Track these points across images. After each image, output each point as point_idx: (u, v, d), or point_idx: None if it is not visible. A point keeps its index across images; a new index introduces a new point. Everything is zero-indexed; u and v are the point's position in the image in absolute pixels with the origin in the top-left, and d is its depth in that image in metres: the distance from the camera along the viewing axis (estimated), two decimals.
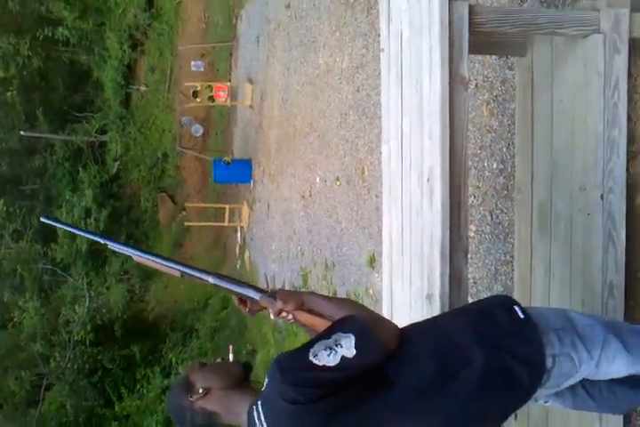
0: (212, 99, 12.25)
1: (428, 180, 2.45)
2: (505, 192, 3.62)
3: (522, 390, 1.86)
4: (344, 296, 6.16)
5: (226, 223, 12.39)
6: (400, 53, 2.74)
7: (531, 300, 3.05)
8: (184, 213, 16.57)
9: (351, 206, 6.15)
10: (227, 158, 11.96)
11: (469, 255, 2.90)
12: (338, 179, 6.58)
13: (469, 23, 2.44)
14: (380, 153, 3.10)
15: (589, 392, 2.16)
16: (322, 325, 1.88)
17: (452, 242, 2.37)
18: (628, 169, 2.64)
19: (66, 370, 13.11)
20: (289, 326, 7.63)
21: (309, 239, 7.59)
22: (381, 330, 1.81)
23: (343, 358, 1.69)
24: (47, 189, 20.44)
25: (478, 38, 2.55)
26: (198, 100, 12.37)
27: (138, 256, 1.99)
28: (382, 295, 2.99)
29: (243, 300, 1.97)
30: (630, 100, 2.64)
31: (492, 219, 3.73)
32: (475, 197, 3.83)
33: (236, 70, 13.28)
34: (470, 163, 3.65)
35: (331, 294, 6.61)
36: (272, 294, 1.93)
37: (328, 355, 1.69)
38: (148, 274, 16.11)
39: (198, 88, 12.33)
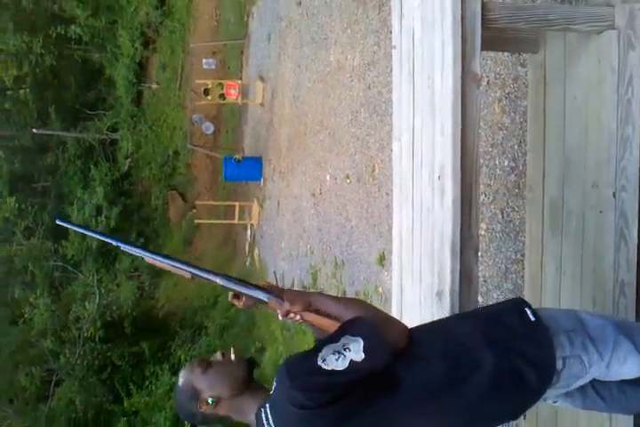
0: (223, 97, 12.27)
1: (439, 177, 2.44)
2: (516, 190, 3.60)
3: (531, 392, 1.85)
4: (353, 295, 6.16)
5: (236, 221, 12.41)
6: (412, 50, 2.73)
7: (541, 298, 3.03)
8: (194, 210, 16.60)
9: (361, 204, 6.14)
10: (237, 156, 11.98)
11: (480, 253, 2.89)
12: (348, 177, 6.57)
13: (482, 19, 2.42)
14: (391, 151, 3.09)
15: (599, 393, 2.15)
16: (330, 325, 1.88)
17: (463, 240, 2.35)
18: None
19: (75, 366, 13.18)
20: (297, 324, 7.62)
21: (319, 237, 7.59)
22: (390, 331, 1.80)
23: (352, 362, 1.68)
24: (59, 187, 20.57)
25: (491, 35, 2.54)
26: (209, 97, 12.39)
27: (149, 258, 2.00)
28: (392, 293, 2.98)
29: (236, 295, 1.96)
30: None
31: (502, 217, 3.71)
32: (486, 195, 3.81)
33: (248, 68, 13.29)
34: (482, 160, 3.63)
35: (340, 293, 6.60)
36: (280, 295, 1.92)
37: (337, 359, 1.69)
38: (158, 271, 16.15)
39: (209, 86, 12.36)
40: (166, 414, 9.93)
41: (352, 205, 6.44)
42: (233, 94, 12.22)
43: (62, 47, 20.13)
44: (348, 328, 1.77)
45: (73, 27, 19.19)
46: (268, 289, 1.93)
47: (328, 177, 7.31)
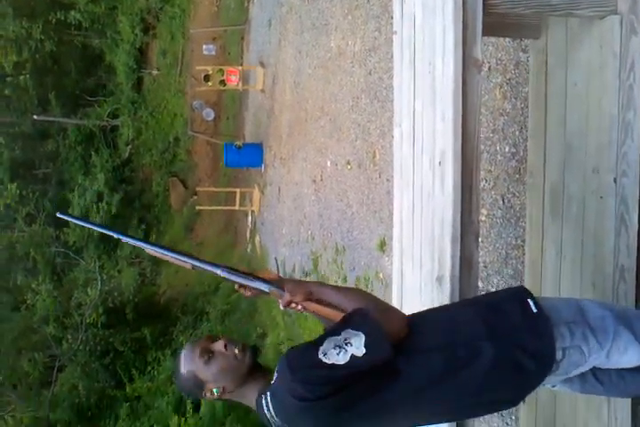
0: (223, 83, 12.23)
1: (439, 163, 2.44)
2: (517, 176, 3.61)
3: (530, 380, 1.88)
4: (354, 281, 6.18)
5: (237, 207, 12.42)
6: (413, 36, 2.72)
7: (541, 283, 3.04)
8: (195, 197, 16.61)
9: (362, 190, 6.14)
10: (238, 142, 11.97)
11: (480, 239, 2.90)
12: (349, 163, 6.57)
13: (483, 4, 2.41)
14: (392, 137, 3.09)
15: (598, 378, 2.17)
16: (331, 314, 1.89)
17: (464, 225, 2.36)
18: None
19: (78, 352, 13.26)
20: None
21: (320, 223, 7.60)
22: (390, 322, 1.81)
23: (352, 356, 1.70)
24: (59, 173, 20.56)
25: (492, 20, 2.52)
26: (210, 83, 12.35)
27: (150, 249, 2.01)
28: (392, 279, 2.99)
29: (242, 285, 1.97)
30: None
31: (503, 203, 3.72)
32: (486, 181, 3.81)
33: (248, 54, 13.24)
34: (482, 146, 3.63)
35: (341, 279, 6.63)
36: (280, 286, 1.92)
37: (337, 353, 1.70)
38: (159, 258, 16.18)
39: (210, 72, 12.31)
40: (169, 398, 10.00)
41: (353, 191, 6.44)
42: (233, 81, 12.18)
43: (62, 33, 20.03)
44: (349, 321, 1.78)
45: (73, 12, 19.08)
46: (268, 280, 1.94)
47: (329, 163, 7.31)
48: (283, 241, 9.55)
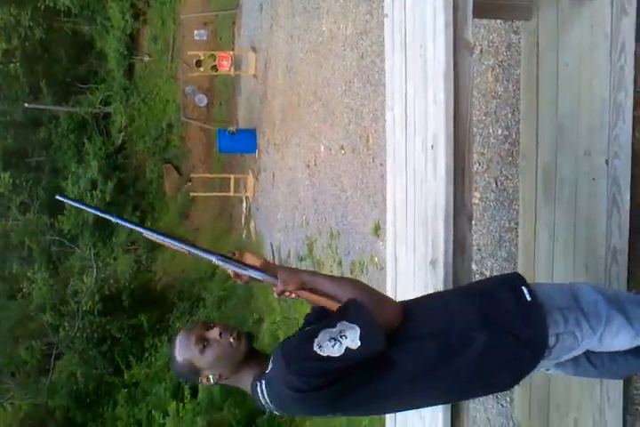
0: (215, 68, 12.16)
1: (432, 146, 2.44)
2: (510, 159, 3.60)
3: (523, 366, 1.90)
4: (349, 265, 6.20)
5: (231, 193, 12.41)
6: (404, 18, 2.70)
7: (534, 265, 3.05)
8: (189, 183, 16.58)
9: (356, 175, 6.14)
10: (231, 128, 11.93)
11: (474, 222, 2.90)
12: (342, 147, 6.55)
13: None
14: (385, 121, 3.08)
15: (592, 362, 2.20)
16: (324, 303, 1.90)
17: (456, 208, 2.36)
18: (634, 134, 2.61)
19: (75, 339, 13.30)
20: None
21: (314, 208, 7.60)
22: (385, 312, 1.82)
23: (347, 349, 1.71)
24: (53, 161, 20.47)
25: (483, 2, 2.52)
26: (202, 69, 12.28)
27: (147, 234, 2.01)
28: (387, 262, 3.00)
29: (237, 273, 1.97)
30: (637, 63, 2.59)
31: (496, 186, 3.72)
32: (479, 163, 3.81)
33: (240, 39, 13.15)
34: (475, 129, 3.62)
35: (336, 263, 6.65)
36: (274, 274, 1.92)
37: (332, 346, 1.71)
38: (155, 245, 16.04)
39: (201, 57, 12.23)
40: (166, 384, 10.05)
41: (347, 175, 6.44)
42: (225, 66, 12.12)
43: (51, 20, 19.83)
44: (344, 313, 1.79)
45: None
46: (262, 268, 1.94)
47: (322, 148, 7.30)
48: (277, 226, 9.55)
